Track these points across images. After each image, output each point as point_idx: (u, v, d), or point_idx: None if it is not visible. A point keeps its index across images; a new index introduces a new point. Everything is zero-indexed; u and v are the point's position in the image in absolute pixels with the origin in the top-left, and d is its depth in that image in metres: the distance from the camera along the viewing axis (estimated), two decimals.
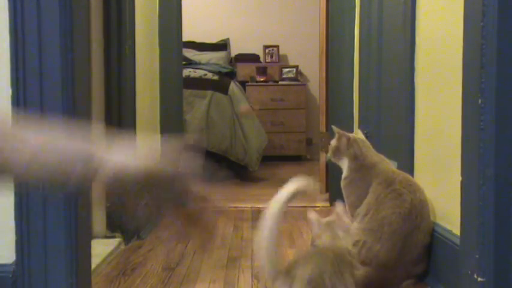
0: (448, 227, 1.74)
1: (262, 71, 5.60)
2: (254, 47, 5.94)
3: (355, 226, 1.88)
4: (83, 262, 1.56)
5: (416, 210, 1.79)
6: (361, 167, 1.93)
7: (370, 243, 1.80)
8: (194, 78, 4.40)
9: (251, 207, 3.22)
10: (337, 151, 1.99)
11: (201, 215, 0.85)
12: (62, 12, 1.46)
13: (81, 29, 1.57)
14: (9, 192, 1.48)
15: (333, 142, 2.00)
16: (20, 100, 1.46)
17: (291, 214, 3.01)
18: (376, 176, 1.88)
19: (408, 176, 1.90)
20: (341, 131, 2.00)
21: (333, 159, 2.02)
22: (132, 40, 2.41)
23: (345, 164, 1.98)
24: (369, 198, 1.87)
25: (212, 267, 2.05)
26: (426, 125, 1.97)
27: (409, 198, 1.80)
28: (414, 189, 1.83)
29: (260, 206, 3.27)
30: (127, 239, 2.35)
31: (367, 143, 2.02)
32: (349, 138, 1.96)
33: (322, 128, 3.44)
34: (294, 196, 1.30)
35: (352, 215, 1.95)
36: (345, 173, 1.99)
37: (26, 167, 0.76)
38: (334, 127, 2.06)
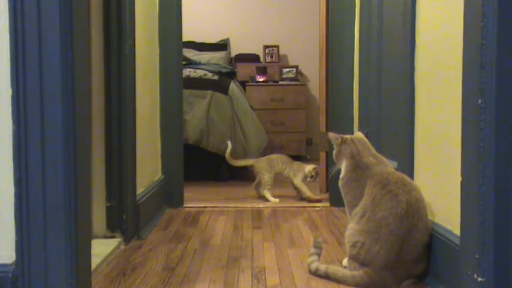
0: (448, 227, 1.73)
1: (262, 71, 5.60)
2: (254, 47, 5.93)
3: (352, 227, 1.89)
4: (83, 262, 1.56)
5: (412, 210, 1.80)
6: (357, 167, 1.95)
7: (368, 244, 1.80)
8: (194, 78, 4.39)
9: (251, 207, 3.22)
10: (338, 155, 2.03)
11: None
12: (62, 12, 1.46)
13: (81, 29, 1.57)
14: (9, 192, 1.48)
15: (334, 150, 2.05)
16: (20, 100, 1.46)
17: (291, 214, 3.01)
18: (370, 178, 1.89)
19: (403, 176, 1.91)
20: (336, 135, 2.05)
21: (338, 165, 2.05)
22: (132, 40, 2.41)
23: (343, 165, 2.01)
24: (365, 200, 1.88)
25: (212, 267, 2.05)
26: (426, 125, 1.97)
27: (405, 199, 1.80)
28: (410, 189, 1.83)
29: (260, 206, 3.27)
30: (127, 239, 2.35)
31: (366, 143, 2.02)
32: (345, 139, 2.01)
33: (322, 128, 3.44)
34: None
35: (350, 214, 1.96)
36: (342, 173, 2.02)
37: None
38: (329, 134, 2.09)
